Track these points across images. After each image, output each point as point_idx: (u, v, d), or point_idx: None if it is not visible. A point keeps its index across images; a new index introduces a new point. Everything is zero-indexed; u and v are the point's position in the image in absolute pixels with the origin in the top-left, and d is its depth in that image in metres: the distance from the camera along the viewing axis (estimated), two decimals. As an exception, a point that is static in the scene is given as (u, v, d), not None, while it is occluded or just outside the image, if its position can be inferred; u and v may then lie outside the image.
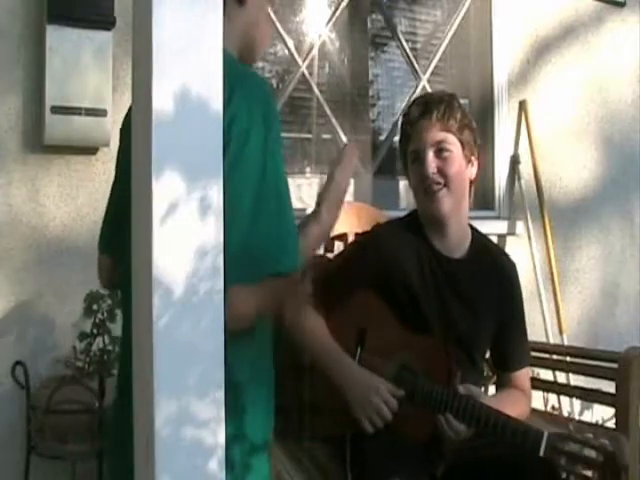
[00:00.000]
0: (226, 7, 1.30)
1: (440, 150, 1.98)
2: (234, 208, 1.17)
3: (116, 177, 1.57)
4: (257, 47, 1.49)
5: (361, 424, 1.84)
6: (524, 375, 2.09)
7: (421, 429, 1.88)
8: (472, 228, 2.10)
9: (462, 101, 3.43)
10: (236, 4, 1.40)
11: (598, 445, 1.74)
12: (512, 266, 2.13)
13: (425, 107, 2.00)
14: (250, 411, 1.29)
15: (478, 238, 2.10)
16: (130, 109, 1.52)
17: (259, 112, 1.26)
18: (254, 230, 1.22)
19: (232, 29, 1.36)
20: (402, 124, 2.08)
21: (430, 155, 1.97)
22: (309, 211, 1.51)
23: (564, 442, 1.75)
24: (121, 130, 1.56)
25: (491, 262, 2.08)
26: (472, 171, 2.05)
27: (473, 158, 2.04)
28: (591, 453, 1.71)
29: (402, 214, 2.21)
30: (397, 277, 1.98)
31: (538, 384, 2.77)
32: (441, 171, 1.97)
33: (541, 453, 1.74)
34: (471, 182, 2.06)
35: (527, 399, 2.11)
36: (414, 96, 3.27)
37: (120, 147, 1.55)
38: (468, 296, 2.01)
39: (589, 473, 1.78)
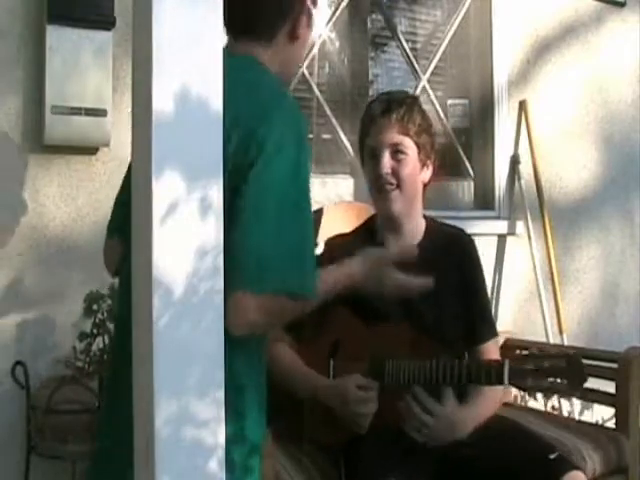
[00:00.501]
0: (279, 42, 1.40)
1: (396, 152, 2.03)
2: (257, 220, 1.19)
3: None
4: (293, 72, 1.60)
5: (354, 428, 1.86)
6: (493, 346, 2.11)
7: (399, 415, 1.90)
8: (427, 219, 2.15)
9: (462, 101, 3.46)
10: (288, 40, 1.45)
11: (557, 353, 1.79)
12: (468, 242, 2.16)
13: (386, 106, 2.05)
14: (248, 414, 1.29)
15: (431, 226, 2.13)
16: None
17: (293, 133, 1.29)
18: (275, 245, 1.21)
19: (278, 59, 1.43)
20: (363, 119, 2.13)
21: (386, 155, 2.03)
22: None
23: (525, 363, 1.78)
24: None
25: (446, 245, 2.10)
26: (427, 174, 2.10)
27: (429, 162, 2.09)
28: (553, 362, 1.75)
29: (335, 235, 2.26)
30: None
31: (538, 384, 2.77)
32: (395, 172, 2.03)
33: (506, 382, 1.78)
34: (425, 185, 2.11)
35: (497, 389, 2.12)
36: (414, 96, 3.28)
37: None
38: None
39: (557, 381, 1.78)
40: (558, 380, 1.73)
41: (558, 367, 1.73)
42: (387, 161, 2.02)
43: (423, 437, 1.87)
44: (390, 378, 1.91)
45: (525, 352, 1.85)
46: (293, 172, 1.26)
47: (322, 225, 2.47)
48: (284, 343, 2.04)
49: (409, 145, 2.03)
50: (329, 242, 2.19)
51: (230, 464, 1.13)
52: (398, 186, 2.03)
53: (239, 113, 1.23)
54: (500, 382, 1.78)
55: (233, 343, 1.17)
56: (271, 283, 1.22)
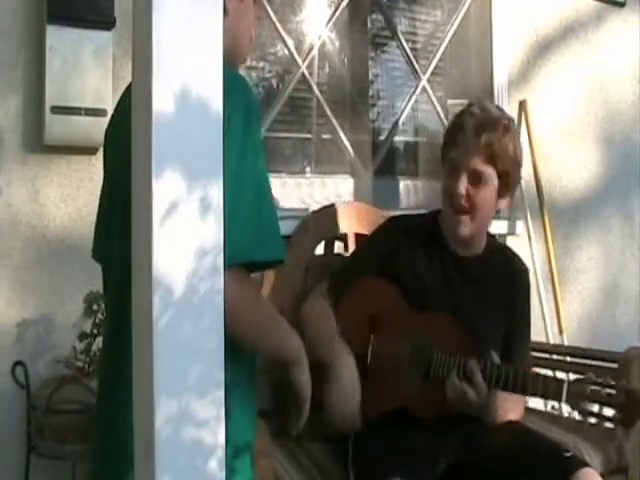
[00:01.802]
0: None
1: (476, 178, 1.94)
2: None
3: (103, 182, 1.57)
4: (240, 54, 1.52)
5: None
6: None
7: (433, 407, 1.92)
8: (489, 234, 2.14)
9: (462, 101, 3.45)
10: None
11: (618, 385, 1.76)
12: (525, 270, 2.16)
13: (480, 126, 1.94)
14: (234, 413, 1.29)
15: (493, 242, 2.13)
16: (114, 113, 1.52)
17: (238, 105, 1.28)
18: (232, 217, 1.21)
19: None
20: (451, 127, 2.04)
21: (465, 177, 1.94)
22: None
23: (584, 386, 1.78)
24: (106, 132, 1.55)
25: (504, 264, 2.11)
26: (503, 203, 2.03)
27: (508, 194, 2.01)
28: (612, 393, 1.74)
29: (402, 214, 2.26)
30: (407, 267, 2.02)
31: (538, 384, 2.77)
32: (470, 197, 1.95)
33: (563, 399, 1.78)
34: (498, 211, 2.06)
35: (523, 400, 2.13)
36: (414, 96, 3.28)
37: (105, 150, 1.55)
38: (478, 292, 2.03)
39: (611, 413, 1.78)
40: (613, 411, 1.74)
41: (616, 399, 1.73)
42: (464, 184, 1.94)
43: (459, 407, 1.87)
44: (436, 371, 1.91)
45: (584, 376, 1.83)
46: (241, 148, 1.25)
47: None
48: (324, 299, 2.06)
49: (491, 174, 1.94)
50: (393, 220, 2.19)
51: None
52: (470, 211, 1.96)
53: None
54: (558, 399, 1.79)
55: None
56: (235, 255, 1.22)
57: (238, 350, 1.31)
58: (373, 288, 2.05)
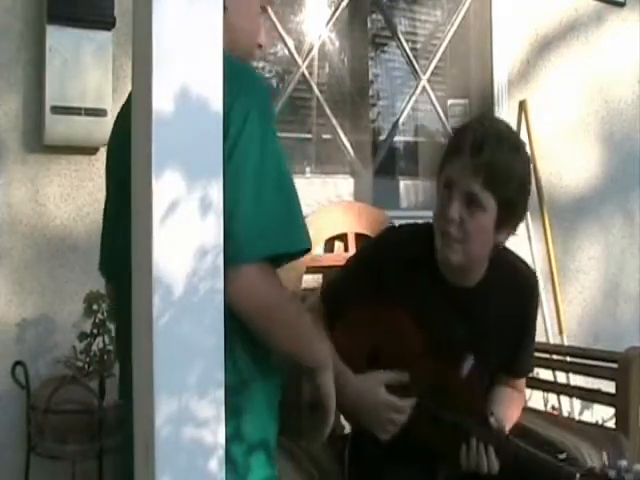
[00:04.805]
0: None
1: (471, 202, 1.68)
2: (235, 191, 1.17)
3: (107, 193, 1.54)
4: (245, 50, 1.48)
5: (377, 435, 1.79)
6: (523, 381, 2.05)
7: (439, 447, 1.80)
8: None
9: (462, 101, 3.43)
10: None
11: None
12: (534, 283, 1.96)
13: (481, 140, 1.67)
14: (255, 409, 1.29)
15: (496, 260, 1.85)
16: (115, 123, 1.51)
17: (256, 103, 1.27)
18: (257, 211, 1.21)
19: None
20: (451, 139, 1.82)
21: (457, 201, 1.69)
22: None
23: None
24: (109, 144, 1.53)
25: (510, 279, 1.89)
26: (502, 236, 1.77)
27: (510, 226, 1.75)
28: None
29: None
30: (402, 297, 1.81)
31: (538, 384, 2.77)
32: (462, 224, 1.70)
33: None
34: (497, 244, 1.79)
35: (523, 399, 2.09)
36: (414, 96, 3.28)
37: (108, 160, 1.53)
38: (477, 326, 1.85)
39: None
40: None
41: None
42: (457, 209, 1.68)
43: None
44: (450, 428, 1.73)
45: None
46: (262, 142, 1.24)
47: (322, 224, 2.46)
48: (320, 316, 1.87)
49: (489, 200, 1.67)
50: (384, 236, 1.98)
51: (230, 463, 1.13)
52: (462, 241, 1.71)
53: None
54: None
55: (238, 337, 1.17)
56: (262, 248, 1.21)
57: (260, 345, 1.29)
58: (371, 314, 1.84)
